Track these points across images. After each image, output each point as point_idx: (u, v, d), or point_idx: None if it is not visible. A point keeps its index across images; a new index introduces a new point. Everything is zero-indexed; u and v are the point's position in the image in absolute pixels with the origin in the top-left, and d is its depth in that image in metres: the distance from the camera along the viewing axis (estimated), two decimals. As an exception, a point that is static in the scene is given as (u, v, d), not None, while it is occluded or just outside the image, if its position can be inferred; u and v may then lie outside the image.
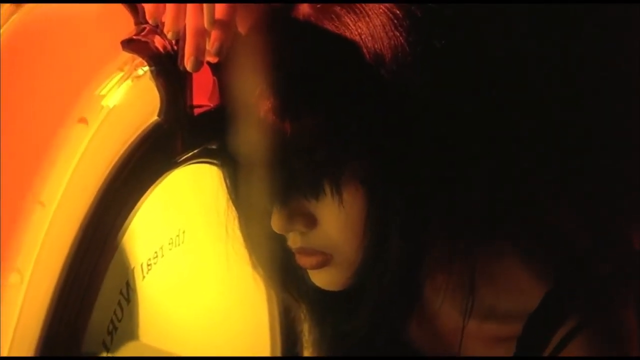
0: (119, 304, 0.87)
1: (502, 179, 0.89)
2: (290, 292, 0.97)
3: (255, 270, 0.96)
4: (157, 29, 0.81)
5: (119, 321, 0.87)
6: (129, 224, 0.80)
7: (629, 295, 0.88)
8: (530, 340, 0.88)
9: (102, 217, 0.76)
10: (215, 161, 0.91)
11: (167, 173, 0.84)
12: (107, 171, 0.76)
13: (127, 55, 0.80)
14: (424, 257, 0.87)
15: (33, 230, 0.71)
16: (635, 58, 1.09)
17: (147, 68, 0.80)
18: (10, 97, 0.75)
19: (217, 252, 0.95)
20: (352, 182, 0.83)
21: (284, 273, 0.95)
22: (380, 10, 0.82)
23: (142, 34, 0.81)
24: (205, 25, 0.80)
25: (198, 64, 0.79)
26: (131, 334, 0.90)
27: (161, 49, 0.81)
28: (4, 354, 0.69)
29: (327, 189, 0.83)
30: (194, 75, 0.83)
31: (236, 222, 0.93)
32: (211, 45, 0.80)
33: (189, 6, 0.79)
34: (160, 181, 0.83)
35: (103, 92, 0.77)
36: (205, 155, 0.89)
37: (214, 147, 0.89)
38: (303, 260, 0.89)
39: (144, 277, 0.90)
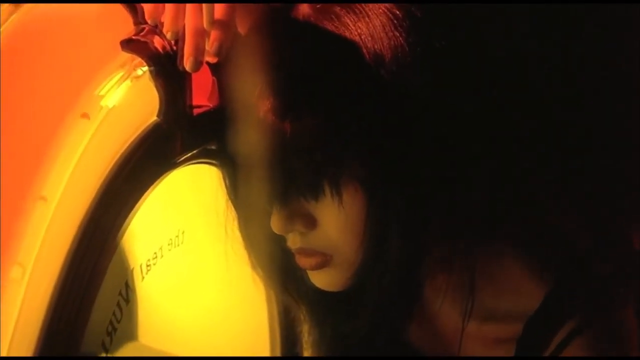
0: (118, 304, 0.87)
1: (502, 179, 0.89)
2: (289, 292, 0.97)
3: (255, 271, 0.96)
4: (157, 29, 0.81)
5: (118, 322, 0.87)
6: (129, 224, 0.80)
7: (629, 295, 0.88)
8: (531, 341, 0.88)
9: (101, 217, 0.76)
10: (214, 162, 0.91)
11: (167, 173, 0.84)
12: (107, 171, 0.76)
13: (126, 56, 0.80)
14: (424, 257, 0.87)
15: (34, 227, 0.71)
16: (635, 58, 1.09)
17: (146, 68, 0.80)
18: (9, 97, 0.75)
19: (216, 252, 0.95)
20: (351, 182, 0.83)
21: (284, 274, 0.95)
22: (380, 10, 0.82)
23: (142, 34, 0.81)
24: (205, 26, 0.80)
25: (197, 64, 0.79)
26: (130, 334, 0.90)
27: (160, 49, 0.81)
28: (4, 353, 0.69)
29: (327, 190, 0.83)
30: (194, 76, 0.83)
31: (235, 222, 0.93)
32: (210, 45, 0.80)
33: (188, 6, 0.79)
34: (160, 181, 0.83)
35: (102, 92, 0.77)
36: (205, 155, 0.89)
37: (213, 147, 0.89)
38: (302, 261, 0.89)
39: (143, 277, 0.90)
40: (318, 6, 0.83)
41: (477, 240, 0.89)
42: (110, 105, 0.77)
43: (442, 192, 0.85)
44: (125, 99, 0.78)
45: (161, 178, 0.83)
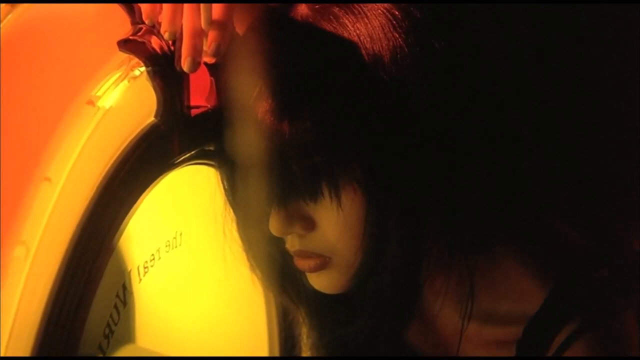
0: (115, 307, 0.86)
1: (502, 181, 0.89)
2: (288, 294, 0.97)
3: (253, 273, 0.96)
4: (154, 29, 0.81)
5: (115, 324, 0.86)
6: (126, 226, 0.80)
7: (629, 297, 0.88)
8: (531, 344, 0.88)
9: (98, 219, 0.75)
10: (212, 163, 0.91)
11: (164, 175, 0.84)
12: (104, 172, 0.76)
13: (123, 56, 0.79)
14: (423, 259, 0.86)
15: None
16: (635, 58, 1.09)
17: (143, 69, 0.80)
18: (6, 97, 0.74)
19: (214, 254, 0.95)
20: (350, 184, 0.82)
21: (282, 275, 0.95)
22: (379, 11, 0.82)
23: (139, 34, 0.81)
24: (203, 26, 0.80)
25: (195, 64, 0.79)
26: (128, 337, 0.90)
27: (158, 50, 0.81)
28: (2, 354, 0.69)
29: (326, 192, 0.83)
30: (191, 76, 0.82)
31: (234, 224, 0.93)
32: (208, 45, 0.80)
33: (186, 6, 0.79)
34: (157, 183, 0.83)
35: (99, 93, 0.77)
36: (203, 156, 0.89)
37: (211, 148, 0.89)
38: (301, 263, 0.88)
39: (140, 279, 0.90)
40: (316, 6, 0.83)
41: (477, 242, 0.89)
42: (107, 106, 0.76)
43: (441, 194, 0.85)
44: (123, 99, 0.78)
45: (159, 179, 0.83)
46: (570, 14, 1.07)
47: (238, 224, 0.93)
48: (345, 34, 0.82)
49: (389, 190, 0.83)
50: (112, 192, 0.76)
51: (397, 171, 0.83)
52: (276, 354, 1.09)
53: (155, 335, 0.93)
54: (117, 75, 0.78)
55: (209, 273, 0.99)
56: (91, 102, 0.76)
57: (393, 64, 0.81)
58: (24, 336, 0.70)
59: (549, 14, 1.06)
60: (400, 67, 0.81)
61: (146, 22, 0.80)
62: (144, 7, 0.80)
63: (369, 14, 0.82)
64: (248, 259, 0.94)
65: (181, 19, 0.79)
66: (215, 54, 0.80)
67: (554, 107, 1.07)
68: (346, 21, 0.82)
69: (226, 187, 0.91)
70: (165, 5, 0.80)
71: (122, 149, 0.77)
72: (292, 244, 0.88)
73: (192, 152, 0.86)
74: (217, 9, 0.80)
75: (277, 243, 0.90)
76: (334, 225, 0.84)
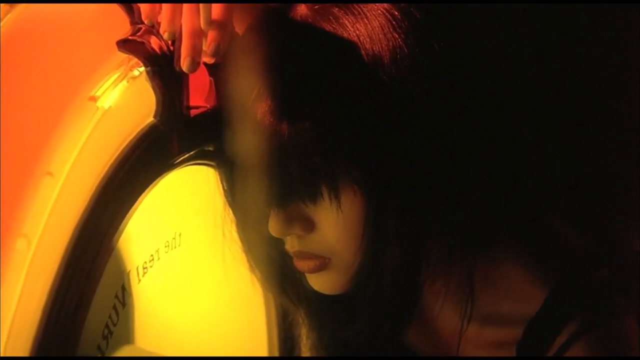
0: (115, 307, 0.86)
1: (501, 182, 0.89)
2: (287, 295, 0.96)
3: (253, 273, 0.96)
4: (153, 29, 0.81)
5: (115, 325, 0.86)
6: (125, 226, 0.80)
7: (629, 297, 0.88)
8: (531, 345, 0.87)
9: (98, 220, 0.75)
10: (211, 163, 0.91)
11: (163, 175, 0.84)
12: (103, 173, 0.76)
13: (122, 56, 0.79)
14: (423, 261, 0.86)
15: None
16: (635, 58, 1.09)
17: (143, 69, 0.80)
18: (4, 98, 0.74)
19: (213, 255, 0.95)
20: (350, 185, 0.82)
21: (282, 276, 0.94)
22: (379, 11, 0.82)
23: (138, 34, 0.80)
24: (202, 26, 0.80)
25: (194, 64, 0.79)
26: (127, 338, 0.90)
27: (157, 50, 0.81)
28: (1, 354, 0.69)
29: (325, 193, 0.83)
30: (191, 76, 0.82)
31: (233, 224, 0.93)
32: (208, 46, 0.80)
33: (185, 6, 0.79)
34: (156, 183, 0.83)
35: (98, 93, 0.77)
36: (202, 157, 0.89)
37: (210, 148, 0.89)
38: (300, 264, 0.88)
39: (139, 280, 0.90)
40: (316, 7, 0.83)
41: (476, 243, 0.89)
42: (107, 107, 0.76)
43: (441, 194, 0.84)
44: (122, 100, 0.78)
45: (158, 179, 0.83)
46: (570, 14, 1.07)
47: (237, 224, 0.92)
48: (345, 35, 0.81)
49: (388, 191, 0.83)
50: (111, 192, 0.76)
51: (397, 172, 0.83)
52: (275, 354, 1.09)
53: (155, 336, 0.93)
54: (116, 76, 0.78)
55: (208, 274, 0.99)
56: (93, 99, 0.76)
57: (393, 64, 0.81)
58: (23, 337, 0.70)
59: (549, 14, 1.06)
60: (399, 68, 0.81)
61: (145, 22, 0.80)
62: (143, 7, 0.80)
63: (368, 15, 0.82)
64: (247, 260, 0.94)
65: (180, 18, 0.79)
66: (215, 54, 0.80)
67: (554, 107, 1.07)
68: (346, 21, 0.82)
69: (225, 187, 0.91)
70: (164, 5, 0.79)
71: (121, 149, 0.77)
72: (292, 245, 0.88)
73: (192, 153, 0.86)
74: (216, 9, 0.80)
75: (277, 244, 0.90)
76: (334, 227, 0.84)
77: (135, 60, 0.79)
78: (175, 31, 0.79)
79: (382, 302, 0.87)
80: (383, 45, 0.81)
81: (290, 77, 0.82)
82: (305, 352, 1.04)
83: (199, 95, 0.84)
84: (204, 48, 0.80)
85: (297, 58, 0.82)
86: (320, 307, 0.95)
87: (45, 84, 0.78)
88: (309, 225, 0.85)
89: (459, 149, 0.84)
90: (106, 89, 0.77)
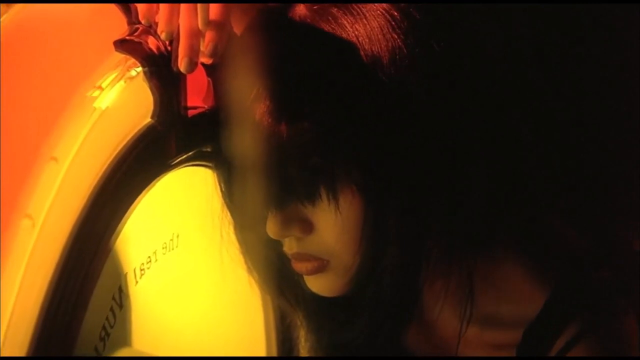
0: (112, 309, 0.86)
1: (501, 183, 0.89)
2: (286, 297, 0.96)
3: (251, 275, 0.96)
4: (151, 29, 0.80)
5: (112, 327, 0.86)
6: (122, 228, 0.80)
7: (630, 298, 0.88)
8: (531, 347, 0.87)
9: (94, 221, 0.75)
10: (209, 164, 0.91)
11: (161, 176, 0.83)
12: (100, 174, 0.75)
13: (120, 56, 0.79)
14: (422, 262, 0.86)
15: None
16: (635, 58, 1.08)
17: (140, 69, 0.79)
18: (2, 98, 0.74)
19: (211, 256, 0.95)
20: (348, 187, 0.82)
21: (280, 278, 0.94)
22: (378, 12, 0.82)
23: (135, 34, 0.80)
24: (200, 26, 0.79)
25: (192, 65, 0.79)
26: (124, 340, 0.89)
27: (155, 50, 0.80)
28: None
29: (324, 194, 0.83)
30: (188, 77, 0.82)
31: (231, 226, 0.93)
32: (205, 46, 0.80)
33: (183, 6, 0.79)
34: (154, 184, 0.83)
35: (95, 94, 0.76)
36: (200, 157, 0.88)
37: (208, 149, 0.88)
38: (299, 266, 0.88)
39: (136, 282, 0.89)
40: (315, 7, 0.83)
41: (476, 243, 0.89)
42: (104, 107, 0.76)
43: (439, 196, 0.84)
44: (119, 100, 0.77)
45: (155, 180, 0.83)
46: (570, 14, 1.07)
47: (235, 226, 0.92)
48: (344, 35, 0.81)
49: (388, 191, 0.82)
50: (108, 193, 0.76)
51: (397, 172, 0.82)
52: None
53: (152, 338, 0.93)
54: (113, 76, 0.78)
55: (206, 276, 0.99)
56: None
57: (392, 64, 0.81)
58: (19, 338, 0.69)
59: (549, 14, 1.06)
60: (399, 68, 0.81)
61: (143, 22, 0.80)
62: (141, 7, 0.80)
63: (367, 15, 0.81)
64: (245, 262, 0.94)
65: (178, 19, 0.79)
66: (213, 54, 0.80)
67: (554, 107, 1.07)
68: (345, 22, 0.81)
69: (223, 189, 0.91)
70: (162, 5, 0.79)
71: (118, 150, 0.77)
72: (290, 246, 0.87)
73: (189, 154, 0.85)
74: (214, 9, 0.80)
75: (275, 245, 0.90)
76: (332, 228, 0.84)
77: (132, 60, 0.79)
78: (173, 31, 0.79)
79: (381, 303, 0.87)
80: (382, 46, 0.81)
81: (288, 78, 0.82)
82: (303, 354, 1.04)
83: (196, 96, 0.84)
84: (202, 48, 0.80)
85: (295, 58, 0.82)
86: (319, 308, 0.95)
87: (42, 84, 0.77)
88: (308, 226, 0.85)
89: (459, 149, 0.84)
90: (103, 90, 0.77)
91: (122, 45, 0.79)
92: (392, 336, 0.93)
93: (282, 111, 0.81)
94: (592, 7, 1.06)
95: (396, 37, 0.81)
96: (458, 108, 0.84)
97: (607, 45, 1.09)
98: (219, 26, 0.80)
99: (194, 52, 0.78)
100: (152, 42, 0.80)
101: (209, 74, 0.85)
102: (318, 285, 0.89)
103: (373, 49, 0.81)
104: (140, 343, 0.91)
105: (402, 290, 0.87)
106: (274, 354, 1.08)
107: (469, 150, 0.85)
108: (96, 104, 0.76)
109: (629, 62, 1.09)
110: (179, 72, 0.79)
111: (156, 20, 0.79)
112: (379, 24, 0.81)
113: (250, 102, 0.82)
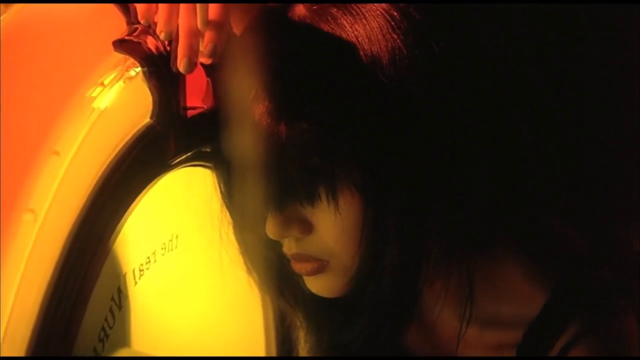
0: (111, 310, 0.86)
1: (501, 183, 0.88)
2: (285, 298, 0.96)
3: (250, 276, 0.95)
4: (150, 29, 0.80)
5: (111, 328, 0.86)
6: (121, 228, 0.79)
7: (630, 298, 0.88)
8: (531, 348, 0.87)
9: (93, 222, 0.75)
10: (208, 164, 0.91)
11: (160, 176, 0.83)
12: (99, 174, 0.75)
13: (118, 56, 0.79)
14: (422, 263, 0.86)
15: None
16: (635, 58, 1.08)
17: (139, 69, 0.79)
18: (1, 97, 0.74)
19: (210, 257, 0.95)
20: (348, 187, 0.82)
21: (279, 279, 0.94)
22: (378, 12, 0.81)
23: (134, 34, 0.80)
24: (199, 26, 0.79)
25: (191, 65, 0.78)
26: (123, 340, 0.89)
27: (154, 50, 0.80)
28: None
29: (323, 195, 0.82)
30: (188, 77, 0.82)
31: (230, 226, 0.92)
32: (205, 46, 0.79)
33: (182, 6, 0.79)
34: (153, 184, 0.82)
35: (94, 94, 0.76)
36: (199, 158, 0.88)
37: (207, 150, 0.88)
38: (298, 267, 0.88)
39: (136, 282, 0.89)
40: (314, 7, 0.83)
41: (476, 243, 0.89)
42: (103, 107, 0.76)
43: (439, 197, 0.84)
44: (118, 100, 0.77)
45: (155, 181, 0.83)
46: (570, 14, 1.07)
47: (234, 226, 0.92)
48: (343, 35, 0.81)
49: (388, 192, 0.82)
50: (107, 193, 0.75)
51: (396, 173, 0.82)
52: (273, 357, 1.09)
53: (151, 339, 0.93)
54: (112, 76, 0.78)
55: (205, 276, 0.99)
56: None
57: (391, 65, 0.80)
58: (18, 339, 0.69)
59: (549, 14, 1.06)
60: (398, 69, 0.80)
61: (142, 22, 0.80)
62: (140, 7, 0.80)
63: (367, 15, 0.81)
64: (245, 262, 0.94)
65: (177, 19, 0.79)
66: (212, 54, 0.80)
67: (554, 107, 1.07)
68: (344, 22, 0.81)
69: (223, 189, 0.91)
70: (161, 5, 0.79)
71: (117, 150, 0.77)
72: (289, 247, 0.87)
73: (188, 154, 0.85)
74: (213, 9, 0.80)
75: (274, 246, 0.89)
76: (332, 229, 0.84)
77: (131, 60, 0.79)
78: (172, 31, 0.79)
79: (381, 303, 0.87)
80: (382, 46, 0.81)
81: (288, 78, 0.82)
82: (303, 355, 1.04)
83: (196, 96, 0.84)
84: (201, 48, 0.79)
85: (295, 59, 0.82)
86: (319, 309, 0.95)
87: (40, 84, 0.77)
88: (307, 227, 0.85)
89: (458, 149, 0.84)
90: (102, 90, 0.76)
91: (121, 45, 0.79)
92: (392, 337, 0.93)
93: (282, 111, 0.81)
94: (592, 7, 1.06)
95: (396, 37, 0.81)
96: (458, 108, 0.84)
97: (607, 45, 1.09)
98: (219, 26, 0.79)
99: (193, 52, 0.78)
100: (151, 42, 0.80)
101: (208, 74, 0.85)
102: (318, 286, 0.88)
103: (372, 49, 0.80)
104: (140, 344, 0.91)
105: (402, 291, 0.87)
106: (274, 355, 1.08)
107: (469, 150, 0.85)
108: (95, 104, 0.76)
109: (629, 62, 1.09)
110: (178, 72, 0.79)
111: (155, 20, 0.79)
112: (378, 24, 0.81)
113: (250, 103, 0.82)
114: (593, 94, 1.10)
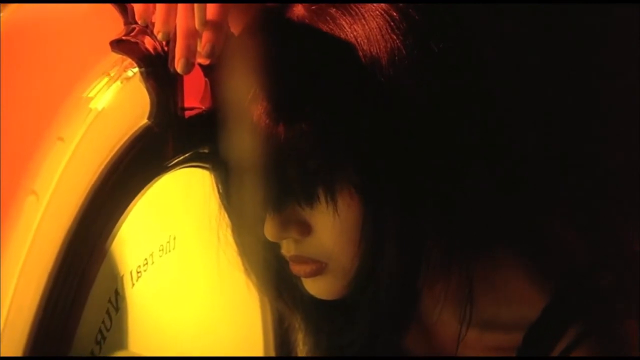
0: (108, 312, 0.86)
1: (501, 185, 0.88)
2: (284, 300, 0.96)
3: (248, 278, 0.95)
4: (147, 29, 0.80)
5: (108, 330, 0.86)
6: (118, 230, 0.79)
7: (630, 299, 0.87)
8: (531, 351, 0.87)
9: (91, 223, 0.75)
10: (206, 165, 0.91)
11: (158, 177, 0.83)
12: (96, 176, 0.75)
13: (116, 57, 0.79)
14: (421, 265, 0.85)
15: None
16: (634, 59, 1.08)
17: (137, 69, 0.79)
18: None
19: (208, 258, 0.95)
20: (347, 189, 0.82)
21: (278, 280, 0.94)
22: (377, 12, 0.81)
23: (132, 34, 0.80)
24: (197, 26, 0.79)
25: (189, 65, 0.78)
26: (120, 343, 0.89)
27: (151, 50, 0.80)
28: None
29: (322, 196, 0.82)
30: (185, 77, 0.82)
31: (228, 228, 0.92)
32: (202, 46, 0.79)
33: (180, 6, 0.78)
34: (150, 186, 0.82)
35: (91, 95, 0.76)
36: (197, 159, 0.88)
37: (205, 151, 0.88)
38: (297, 269, 0.87)
39: (133, 284, 0.89)
40: (313, 7, 0.83)
41: (476, 247, 0.88)
42: (100, 108, 0.76)
43: (439, 199, 0.84)
44: (115, 101, 0.77)
45: (152, 182, 0.82)
46: (570, 14, 1.07)
47: (233, 228, 0.92)
48: (342, 36, 0.81)
49: (386, 195, 0.82)
50: (104, 195, 0.75)
51: (395, 173, 0.82)
52: (271, 360, 1.09)
53: (148, 341, 0.93)
54: (110, 77, 0.77)
55: (203, 278, 0.99)
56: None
57: (390, 65, 0.80)
58: (14, 342, 0.69)
59: (549, 14, 1.06)
60: (398, 69, 0.80)
61: (139, 22, 0.80)
62: (137, 7, 0.80)
63: (366, 15, 0.81)
64: (243, 264, 0.94)
65: (175, 19, 0.79)
66: (210, 55, 0.80)
67: (554, 107, 1.07)
68: (343, 22, 0.81)
69: (221, 190, 0.91)
70: (158, 5, 0.79)
71: (115, 151, 0.77)
72: (288, 249, 0.87)
73: (186, 155, 0.85)
74: (211, 9, 0.80)
75: (273, 248, 0.89)
76: (330, 230, 0.83)
77: (129, 60, 0.79)
78: (170, 31, 0.78)
79: (381, 305, 0.87)
80: (381, 47, 0.81)
81: (286, 79, 0.82)
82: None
83: (193, 97, 0.84)
84: (199, 49, 0.79)
85: (293, 59, 0.82)
86: (317, 311, 0.95)
87: (38, 84, 0.77)
88: (306, 228, 0.85)
89: (458, 150, 0.84)
90: (100, 90, 0.76)
91: (118, 45, 0.79)
92: (392, 338, 0.92)
93: (280, 112, 0.80)
94: (592, 7, 1.06)
95: (395, 37, 0.80)
96: (457, 109, 0.83)
97: (607, 46, 1.09)
98: (217, 26, 0.79)
99: (190, 53, 0.78)
100: (148, 43, 0.80)
101: (206, 75, 0.84)
102: (316, 287, 0.88)
103: (372, 49, 0.80)
104: (137, 346, 0.91)
105: (401, 292, 0.87)
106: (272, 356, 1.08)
107: (469, 151, 0.85)
108: (92, 105, 0.76)
109: (629, 63, 1.09)
110: (176, 73, 0.79)
111: (153, 21, 0.79)
112: (377, 25, 0.81)
113: (248, 103, 0.81)
114: (593, 95, 1.10)
